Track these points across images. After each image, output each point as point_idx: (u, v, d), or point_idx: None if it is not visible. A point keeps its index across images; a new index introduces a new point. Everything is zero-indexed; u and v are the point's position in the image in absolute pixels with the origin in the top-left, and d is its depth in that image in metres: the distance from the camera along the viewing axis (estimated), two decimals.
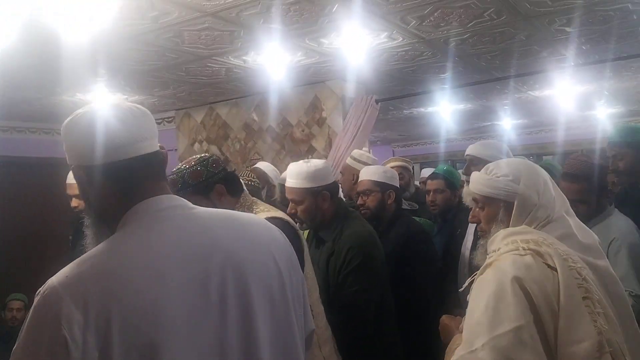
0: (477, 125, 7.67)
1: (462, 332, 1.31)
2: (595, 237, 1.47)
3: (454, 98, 5.41)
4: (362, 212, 2.53)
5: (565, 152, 6.98)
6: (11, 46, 2.81)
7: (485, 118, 7.07)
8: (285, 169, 2.39)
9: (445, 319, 1.57)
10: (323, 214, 2.18)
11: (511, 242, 1.32)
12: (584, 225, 1.49)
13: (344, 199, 3.05)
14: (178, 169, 1.74)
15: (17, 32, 2.65)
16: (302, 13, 2.73)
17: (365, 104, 4.17)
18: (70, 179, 2.56)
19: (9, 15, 2.47)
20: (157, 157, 1.04)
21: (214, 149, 5.28)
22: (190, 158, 1.79)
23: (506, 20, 3.01)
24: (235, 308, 0.94)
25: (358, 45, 3.31)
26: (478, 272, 1.35)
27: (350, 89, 4.38)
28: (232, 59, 3.59)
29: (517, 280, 1.21)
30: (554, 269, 1.24)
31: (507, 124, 7.54)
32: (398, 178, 2.73)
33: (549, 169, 1.97)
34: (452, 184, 3.07)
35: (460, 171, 3.32)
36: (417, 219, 2.87)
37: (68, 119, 1.02)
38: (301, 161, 2.21)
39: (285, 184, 2.24)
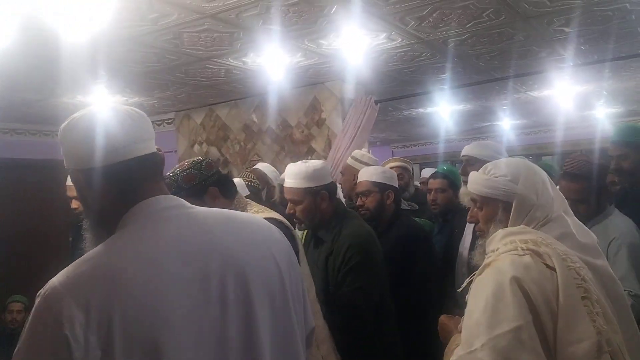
0: (476, 125, 7.66)
1: (461, 332, 1.31)
2: (594, 236, 1.47)
3: (453, 98, 5.40)
4: (362, 212, 2.53)
5: (565, 152, 6.96)
6: (10, 47, 2.80)
7: (484, 118, 7.06)
8: (284, 170, 2.40)
9: (444, 318, 1.57)
10: (322, 214, 2.18)
11: (510, 242, 1.32)
12: (583, 224, 1.49)
13: (345, 199, 3.06)
14: (172, 172, 1.75)
15: (17, 32, 2.64)
16: (301, 14, 2.73)
17: (365, 105, 4.18)
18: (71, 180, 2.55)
19: (8, 15, 2.47)
20: (155, 158, 1.04)
21: (213, 150, 5.28)
22: (184, 161, 1.80)
23: (505, 21, 3.01)
24: (236, 306, 0.94)
25: (357, 46, 3.31)
26: (477, 272, 1.35)
27: (349, 90, 4.38)
28: (231, 61, 3.59)
29: (516, 281, 1.21)
30: (553, 269, 1.24)
31: (506, 124, 7.54)
32: (397, 178, 2.73)
33: (546, 169, 1.97)
34: (454, 184, 3.07)
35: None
36: (417, 219, 2.87)
37: (65, 123, 1.02)
38: (299, 162, 2.22)
39: (284, 184, 2.25)
